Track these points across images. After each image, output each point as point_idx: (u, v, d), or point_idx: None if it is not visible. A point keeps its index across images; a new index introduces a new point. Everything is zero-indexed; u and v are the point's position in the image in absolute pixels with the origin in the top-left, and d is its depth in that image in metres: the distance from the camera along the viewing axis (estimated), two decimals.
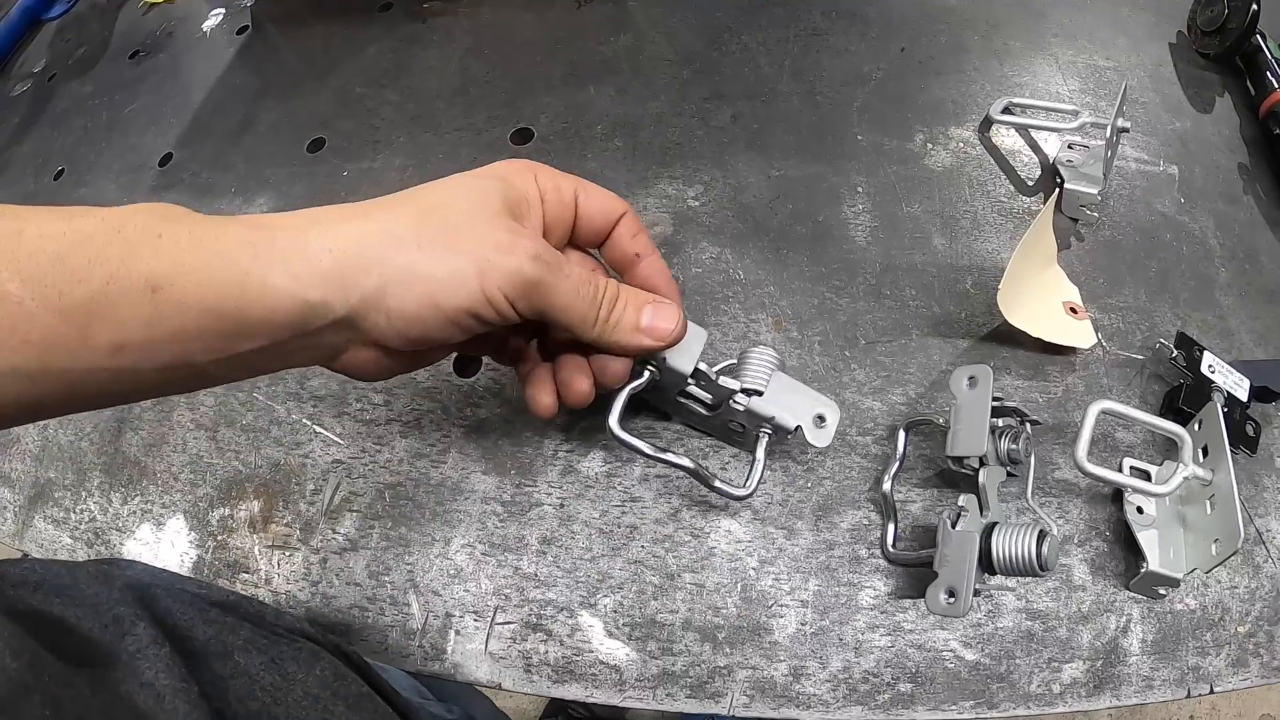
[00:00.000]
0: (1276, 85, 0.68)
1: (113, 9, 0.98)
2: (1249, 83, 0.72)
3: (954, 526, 0.46)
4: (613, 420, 0.46)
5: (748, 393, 0.48)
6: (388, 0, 0.86)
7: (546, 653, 0.50)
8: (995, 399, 0.48)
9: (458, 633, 0.51)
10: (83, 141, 0.83)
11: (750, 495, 0.48)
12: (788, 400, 0.48)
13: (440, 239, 0.38)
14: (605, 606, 0.50)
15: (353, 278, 0.37)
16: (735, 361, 0.50)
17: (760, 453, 0.49)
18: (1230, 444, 0.48)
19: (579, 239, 0.47)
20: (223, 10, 0.90)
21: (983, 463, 0.48)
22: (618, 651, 0.49)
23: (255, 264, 0.35)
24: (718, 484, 0.48)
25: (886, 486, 0.51)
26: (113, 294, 0.32)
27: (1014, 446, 0.48)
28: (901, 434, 0.52)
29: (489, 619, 0.51)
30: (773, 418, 0.48)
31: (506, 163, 0.44)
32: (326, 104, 0.77)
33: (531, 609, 0.51)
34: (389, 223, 0.38)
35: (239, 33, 0.87)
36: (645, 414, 0.55)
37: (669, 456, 0.47)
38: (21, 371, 0.32)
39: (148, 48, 0.90)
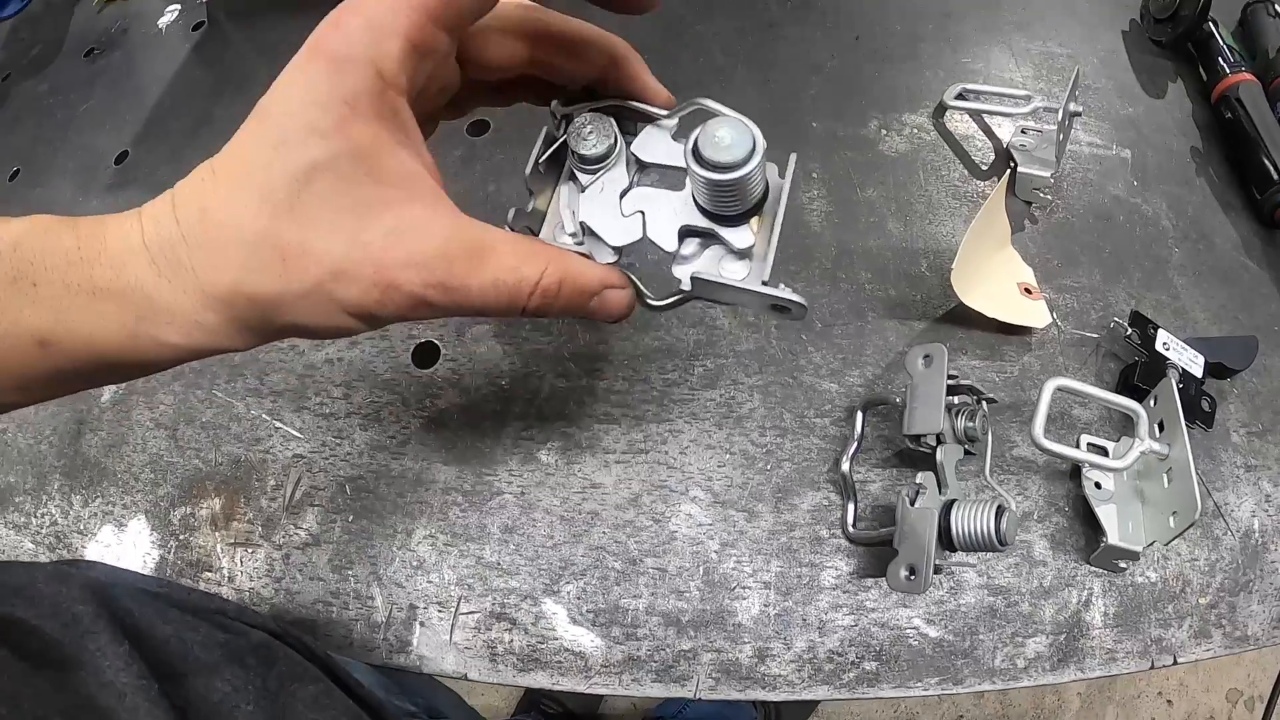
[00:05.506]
0: (1228, 71, 0.69)
1: (67, 7, 0.96)
2: (1201, 69, 0.73)
3: (913, 504, 0.46)
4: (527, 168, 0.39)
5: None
6: None
7: (511, 641, 0.49)
8: (951, 377, 0.48)
9: (422, 624, 0.50)
10: (39, 141, 0.82)
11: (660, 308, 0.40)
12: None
13: (294, 264, 0.32)
14: (569, 593, 0.50)
15: (243, 320, 0.33)
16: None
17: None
18: (1186, 419, 0.48)
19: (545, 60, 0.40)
20: (178, 6, 0.89)
21: (940, 440, 0.48)
22: (582, 638, 0.49)
23: (140, 325, 0.33)
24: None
25: (845, 467, 0.51)
26: (4, 349, 0.32)
27: (970, 424, 0.49)
28: (859, 415, 0.52)
29: (453, 609, 0.50)
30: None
31: (329, 27, 0.33)
32: None
33: (495, 598, 0.50)
34: (250, 254, 0.32)
35: (195, 28, 0.86)
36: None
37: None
38: None
39: (103, 45, 0.89)
